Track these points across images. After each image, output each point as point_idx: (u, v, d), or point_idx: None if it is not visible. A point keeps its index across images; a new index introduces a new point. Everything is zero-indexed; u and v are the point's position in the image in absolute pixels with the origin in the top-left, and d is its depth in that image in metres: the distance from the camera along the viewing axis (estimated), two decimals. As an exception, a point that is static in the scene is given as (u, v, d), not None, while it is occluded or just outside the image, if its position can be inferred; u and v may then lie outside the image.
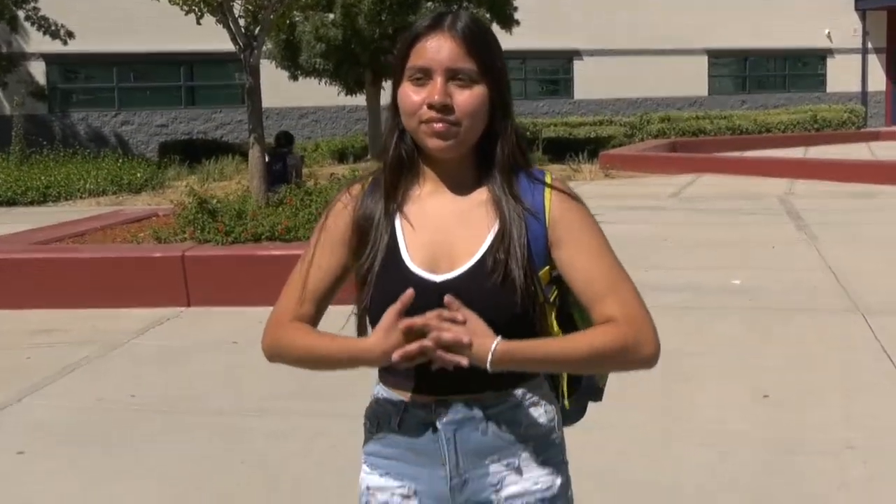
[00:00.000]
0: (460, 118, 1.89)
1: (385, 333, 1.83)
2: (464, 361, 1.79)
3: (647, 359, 1.89)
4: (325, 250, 2.02)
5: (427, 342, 1.79)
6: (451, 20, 1.91)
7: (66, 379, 6.37)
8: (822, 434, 5.02)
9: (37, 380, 6.32)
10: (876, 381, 5.82)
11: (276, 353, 2.03)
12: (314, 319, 2.03)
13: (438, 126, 1.89)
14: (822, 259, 9.68)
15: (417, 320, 1.79)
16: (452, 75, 1.90)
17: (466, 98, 1.89)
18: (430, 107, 1.88)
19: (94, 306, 8.19)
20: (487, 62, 1.91)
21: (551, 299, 1.94)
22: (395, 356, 1.80)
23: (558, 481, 1.98)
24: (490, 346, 1.80)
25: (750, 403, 5.49)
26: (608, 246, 1.96)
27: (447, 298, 1.82)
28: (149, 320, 7.82)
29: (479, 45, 1.91)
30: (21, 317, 8.03)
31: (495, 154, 1.94)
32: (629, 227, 11.80)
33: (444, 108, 1.88)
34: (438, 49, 1.89)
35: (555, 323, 1.95)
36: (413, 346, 1.79)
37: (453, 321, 1.80)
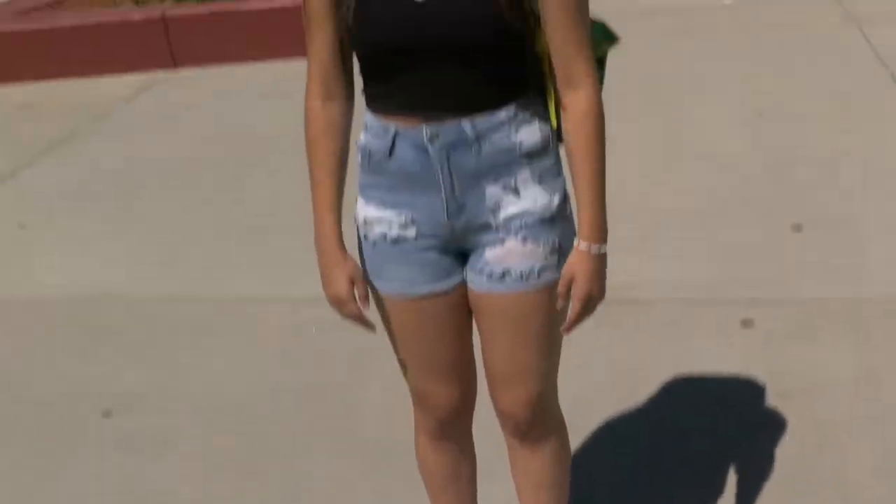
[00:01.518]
0: None
1: (346, 288, 1.96)
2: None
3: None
4: None
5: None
6: None
7: (59, 150, 6.31)
8: (819, 145, 4.99)
9: (30, 153, 6.26)
10: (870, 90, 5.76)
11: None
12: (340, 78, 1.96)
13: None
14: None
15: None
16: None
17: None
18: None
19: (77, 76, 8.01)
20: None
21: (537, 12, 1.83)
22: None
23: (556, 199, 1.94)
24: (597, 257, 1.90)
25: (746, 121, 5.45)
26: None
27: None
28: (136, 86, 7.68)
29: None
30: (6, 91, 7.88)
31: None
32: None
33: None
34: None
35: (542, 38, 1.86)
36: None
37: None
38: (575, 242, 1.91)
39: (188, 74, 7.88)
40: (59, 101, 7.46)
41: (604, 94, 2.04)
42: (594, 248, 1.90)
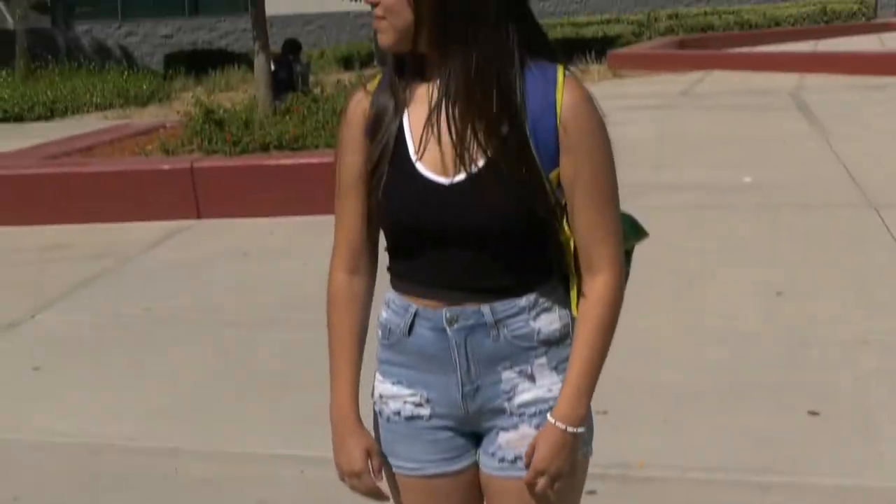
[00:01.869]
0: (385, 13, 1.82)
1: (362, 461, 1.95)
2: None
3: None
4: (349, 155, 1.95)
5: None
6: None
7: (79, 293, 6.37)
8: (837, 329, 4.99)
9: (51, 295, 6.32)
10: (889, 275, 5.78)
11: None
12: (366, 252, 2.01)
13: (374, 23, 1.86)
14: (833, 153, 9.57)
15: None
16: None
17: None
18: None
19: (104, 220, 8.14)
20: None
21: (563, 202, 1.88)
22: None
23: None
24: (565, 433, 1.88)
25: (763, 300, 5.46)
26: (612, 169, 1.88)
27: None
28: (160, 233, 7.79)
29: None
30: (32, 233, 8.00)
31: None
32: (638, 127, 11.66)
33: (374, 6, 1.84)
34: None
35: (566, 227, 1.90)
36: None
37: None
38: (548, 415, 1.90)
39: (213, 225, 7.99)
40: (83, 245, 7.57)
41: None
42: (560, 425, 1.89)
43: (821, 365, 4.59)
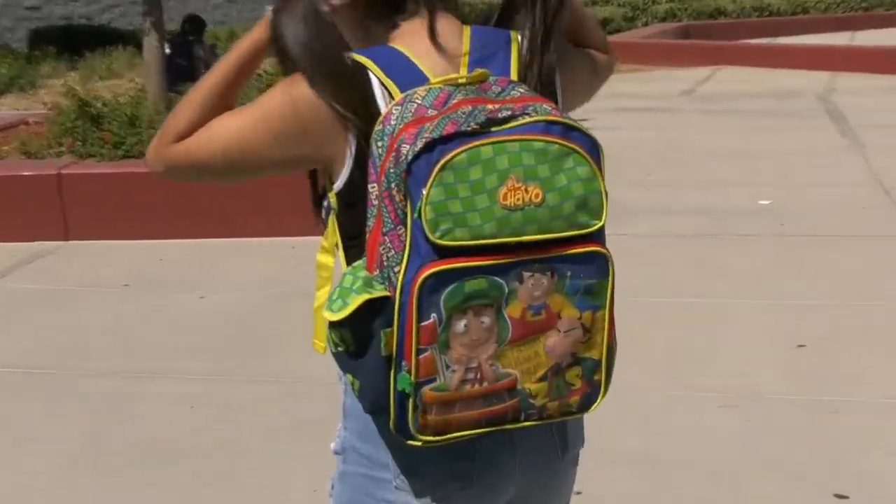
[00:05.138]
0: None
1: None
2: None
3: None
4: None
5: None
6: None
7: None
8: (870, 391, 5.03)
9: None
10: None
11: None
12: None
13: None
14: (870, 171, 9.69)
15: None
16: None
17: None
18: None
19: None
20: None
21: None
22: None
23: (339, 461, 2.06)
24: None
25: (782, 355, 5.50)
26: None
27: None
28: (18, 257, 7.73)
29: None
30: None
31: None
32: (629, 134, 11.76)
33: None
34: None
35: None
36: None
37: None
38: None
39: (85, 248, 7.95)
40: (-84, 272, 7.49)
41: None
42: None
43: (849, 436, 4.62)
